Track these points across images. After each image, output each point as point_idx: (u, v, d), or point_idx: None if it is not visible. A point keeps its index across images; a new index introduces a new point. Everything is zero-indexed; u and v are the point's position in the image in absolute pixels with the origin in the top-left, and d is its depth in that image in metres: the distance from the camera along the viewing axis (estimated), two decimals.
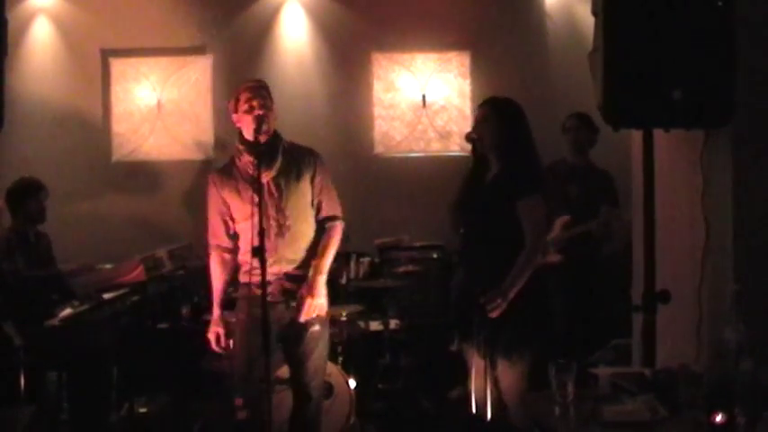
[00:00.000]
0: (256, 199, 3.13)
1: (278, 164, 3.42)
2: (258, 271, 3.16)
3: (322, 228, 3.55)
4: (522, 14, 6.60)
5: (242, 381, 3.42)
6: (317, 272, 3.45)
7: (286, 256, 3.45)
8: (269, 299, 3.24)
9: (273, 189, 3.41)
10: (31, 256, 4.64)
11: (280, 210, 3.41)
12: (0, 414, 2.49)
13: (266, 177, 3.34)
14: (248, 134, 3.40)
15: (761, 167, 2.75)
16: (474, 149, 3.33)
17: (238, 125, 3.45)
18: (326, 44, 6.53)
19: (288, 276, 3.47)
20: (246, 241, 3.35)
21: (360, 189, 6.44)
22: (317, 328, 3.47)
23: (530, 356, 3.24)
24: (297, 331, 3.44)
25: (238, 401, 3.39)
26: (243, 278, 3.51)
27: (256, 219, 3.09)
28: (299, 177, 3.47)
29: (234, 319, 3.53)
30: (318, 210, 3.54)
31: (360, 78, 6.57)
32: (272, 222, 3.38)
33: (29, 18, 6.30)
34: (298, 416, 3.56)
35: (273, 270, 3.37)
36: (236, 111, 3.43)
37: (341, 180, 6.35)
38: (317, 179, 3.52)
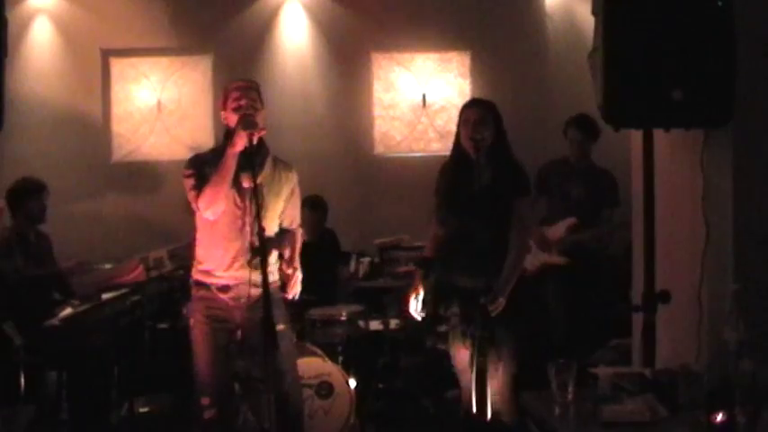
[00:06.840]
0: (238, 201, 3.31)
1: (263, 173, 3.41)
2: (219, 273, 3.36)
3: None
4: (522, 14, 6.60)
5: (206, 380, 3.39)
6: (294, 250, 3.53)
7: (252, 262, 3.35)
8: (232, 303, 3.37)
9: (253, 196, 3.31)
10: (31, 257, 4.64)
11: (256, 217, 3.28)
12: (0, 414, 2.49)
13: (248, 183, 3.29)
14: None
15: (761, 167, 2.75)
16: (477, 149, 3.34)
17: (226, 122, 3.42)
18: (326, 44, 6.53)
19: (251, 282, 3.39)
20: (212, 238, 3.39)
21: (360, 189, 6.45)
22: (281, 326, 3.44)
23: (519, 356, 3.32)
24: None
25: (204, 401, 3.38)
26: (199, 277, 3.47)
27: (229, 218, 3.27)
28: (278, 193, 3.49)
29: (192, 321, 3.49)
30: (283, 217, 3.57)
31: (360, 78, 6.57)
32: (248, 228, 3.35)
33: (29, 18, 6.30)
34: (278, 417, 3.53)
35: (237, 275, 3.38)
36: (224, 108, 3.42)
37: (341, 180, 6.48)
38: (293, 196, 3.58)
